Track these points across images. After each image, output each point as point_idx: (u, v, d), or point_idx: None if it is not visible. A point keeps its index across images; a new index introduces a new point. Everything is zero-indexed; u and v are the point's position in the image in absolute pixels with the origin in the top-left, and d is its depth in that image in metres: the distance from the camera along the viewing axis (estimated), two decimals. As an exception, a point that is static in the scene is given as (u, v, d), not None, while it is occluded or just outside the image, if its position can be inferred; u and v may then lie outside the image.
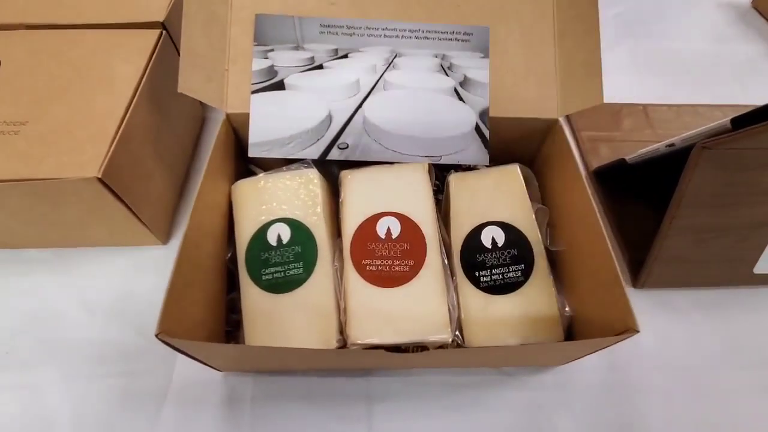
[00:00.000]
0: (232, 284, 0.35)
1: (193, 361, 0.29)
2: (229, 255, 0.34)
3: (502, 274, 0.33)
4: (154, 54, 0.39)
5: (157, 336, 0.24)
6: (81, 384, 0.34)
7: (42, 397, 0.34)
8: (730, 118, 0.31)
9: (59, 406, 0.33)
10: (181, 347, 0.25)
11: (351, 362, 0.34)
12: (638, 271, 0.40)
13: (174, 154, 0.45)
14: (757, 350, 0.37)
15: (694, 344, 0.37)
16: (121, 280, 0.39)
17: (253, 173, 0.38)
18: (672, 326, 0.38)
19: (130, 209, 0.35)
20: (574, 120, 0.53)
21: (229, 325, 0.34)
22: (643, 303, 0.39)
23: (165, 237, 0.41)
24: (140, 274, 0.39)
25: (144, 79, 0.37)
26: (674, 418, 0.34)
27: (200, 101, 0.54)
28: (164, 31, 0.41)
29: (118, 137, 0.33)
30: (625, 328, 0.26)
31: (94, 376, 0.34)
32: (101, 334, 0.36)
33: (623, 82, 0.57)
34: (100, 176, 0.31)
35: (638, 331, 0.25)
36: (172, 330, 0.24)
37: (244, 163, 0.39)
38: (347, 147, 0.35)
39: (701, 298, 0.40)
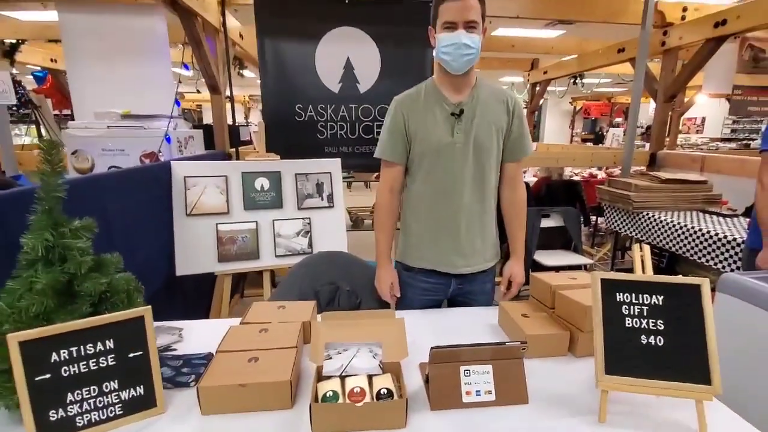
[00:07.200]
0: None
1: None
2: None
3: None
4: (296, 356, 1.45)
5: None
6: None
7: None
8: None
9: None
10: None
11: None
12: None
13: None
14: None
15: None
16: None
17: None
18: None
19: (292, 390, 1.31)
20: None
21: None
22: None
23: (293, 404, 1.33)
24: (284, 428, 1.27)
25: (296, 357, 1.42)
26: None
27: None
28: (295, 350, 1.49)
29: (296, 362, 1.34)
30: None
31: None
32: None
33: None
34: (290, 379, 1.30)
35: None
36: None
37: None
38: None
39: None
